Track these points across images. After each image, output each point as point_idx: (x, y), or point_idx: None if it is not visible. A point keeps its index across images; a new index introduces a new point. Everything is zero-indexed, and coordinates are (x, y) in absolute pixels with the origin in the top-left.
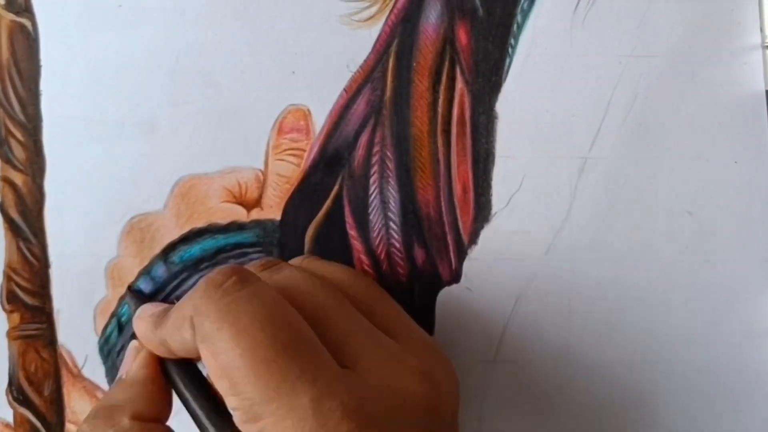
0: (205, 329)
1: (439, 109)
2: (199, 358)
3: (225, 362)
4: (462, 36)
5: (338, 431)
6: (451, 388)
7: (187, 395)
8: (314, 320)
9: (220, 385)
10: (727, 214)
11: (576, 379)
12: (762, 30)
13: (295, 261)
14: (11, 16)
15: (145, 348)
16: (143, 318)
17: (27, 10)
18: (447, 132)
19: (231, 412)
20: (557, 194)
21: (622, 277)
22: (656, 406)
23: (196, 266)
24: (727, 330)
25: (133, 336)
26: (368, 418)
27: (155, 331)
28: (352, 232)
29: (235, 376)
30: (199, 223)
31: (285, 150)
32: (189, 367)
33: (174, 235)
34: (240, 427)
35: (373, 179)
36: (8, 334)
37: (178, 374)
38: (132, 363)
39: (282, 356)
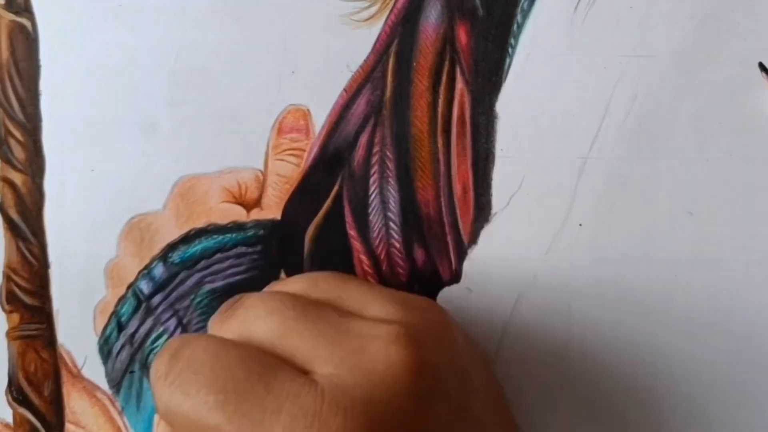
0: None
1: (439, 109)
2: None
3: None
4: (462, 36)
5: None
6: (437, 336)
7: None
8: (280, 341)
9: None
10: (727, 214)
11: (576, 379)
12: None
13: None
14: (11, 16)
15: None
16: None
17: (27, 10)
18: (447, 132)
19: None
20: (557, 194)
21: (622, 277)
22: (656, 407)
23: (195, 266)
24: (727, 330)
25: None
26: (345, 410)
27: None
28: (352, 232)
29: None
30: (199, 223)
31: (285, 150)
32: None
33: (173, 235)
34: None
35: (373, 179)
36: (8, 334)
37: None
38: None
39: (236, 404)
